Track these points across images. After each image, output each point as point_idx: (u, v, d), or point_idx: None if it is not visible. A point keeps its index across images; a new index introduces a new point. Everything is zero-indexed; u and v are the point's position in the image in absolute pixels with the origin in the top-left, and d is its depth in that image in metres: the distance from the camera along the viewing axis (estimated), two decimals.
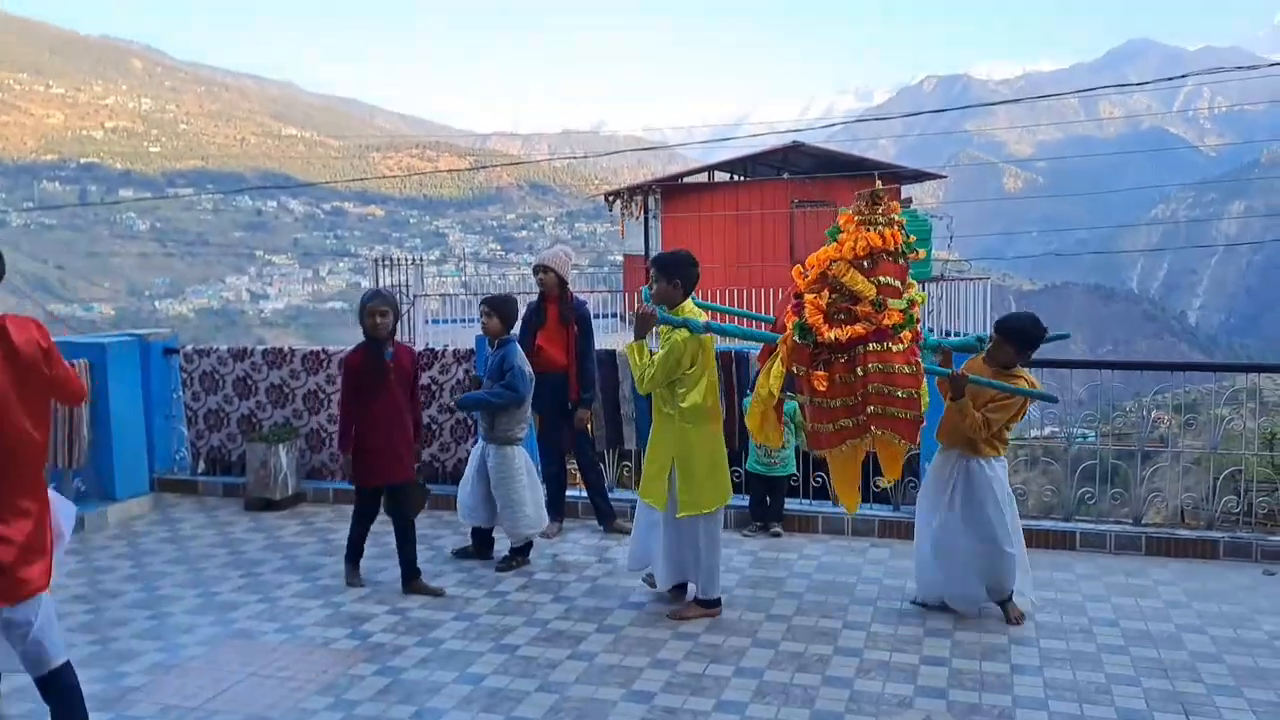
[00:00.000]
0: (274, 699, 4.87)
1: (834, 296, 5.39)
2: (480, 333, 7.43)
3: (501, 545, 7.12)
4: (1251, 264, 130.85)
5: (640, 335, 5.88)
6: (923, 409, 5.38)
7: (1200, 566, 6.79)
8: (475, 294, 24.32)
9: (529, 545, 7.04)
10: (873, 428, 5.33)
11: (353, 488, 6.69)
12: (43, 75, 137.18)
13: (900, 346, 5.33)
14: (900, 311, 5.37)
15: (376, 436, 6.37)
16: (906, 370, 5.31)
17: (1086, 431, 8.48)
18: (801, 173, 23.88)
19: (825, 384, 5.33)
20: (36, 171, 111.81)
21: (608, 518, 7.78)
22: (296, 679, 5.10)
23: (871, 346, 5.30)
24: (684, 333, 5.69)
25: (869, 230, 5.41)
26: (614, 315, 23.22)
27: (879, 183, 5.88)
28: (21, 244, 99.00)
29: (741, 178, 25.39)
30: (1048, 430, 9.93)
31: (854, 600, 6.14)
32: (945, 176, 29.09)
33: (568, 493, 7.99)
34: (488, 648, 5.48)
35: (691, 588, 6.11)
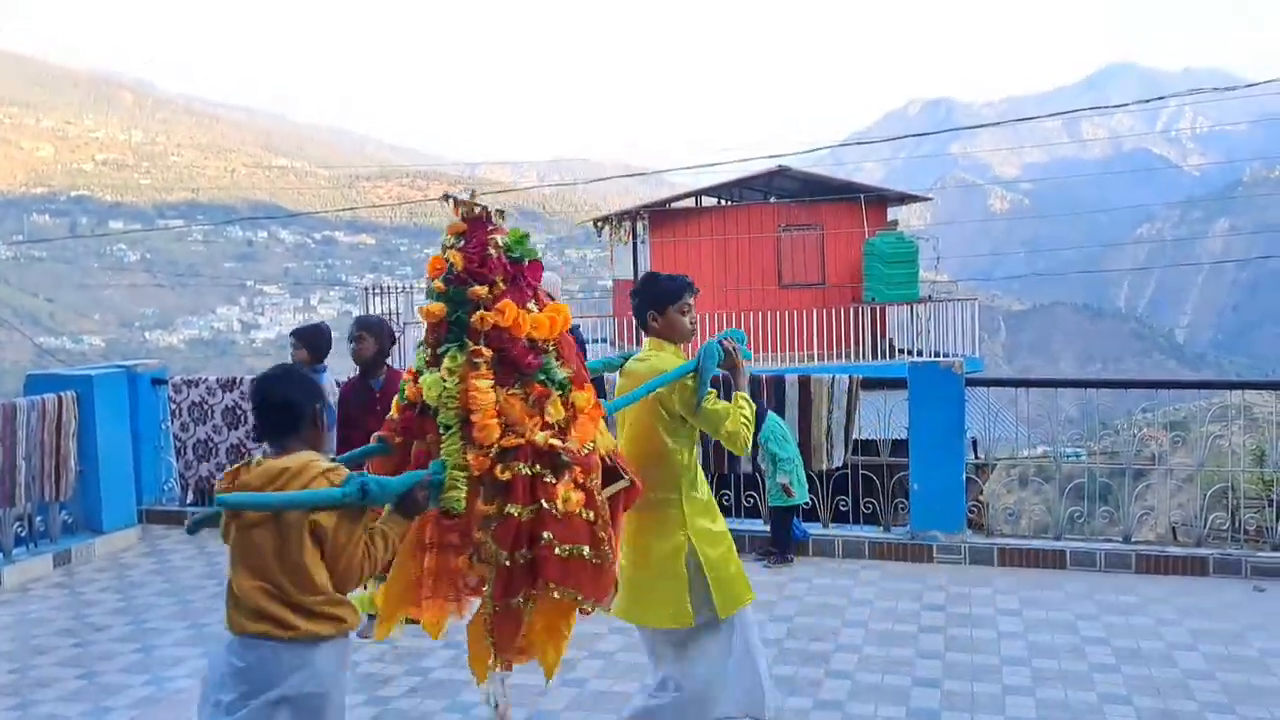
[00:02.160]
0: None
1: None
2: None
3: None
4: (1237, 281, 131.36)
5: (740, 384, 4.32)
6: None
7: (1191, 583, 6.78)
8: None
9: None
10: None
11: None
12: (33, 109, 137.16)
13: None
14: None
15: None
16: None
17: (1078, 450, 8.51)
18: (788, 196, 23.96)
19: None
20: (26, 205, 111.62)
21: None
22: None
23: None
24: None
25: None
26: (604, 340, 23.22)
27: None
28: (10, 277, 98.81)
29: (728, 202, 25.47)
30: (1040, 449, 9.95)
31: (845, 623, 6.13)
32: (931, 199, 29.19)
33: None
34: None
35: None
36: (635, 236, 23.83)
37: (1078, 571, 7.07)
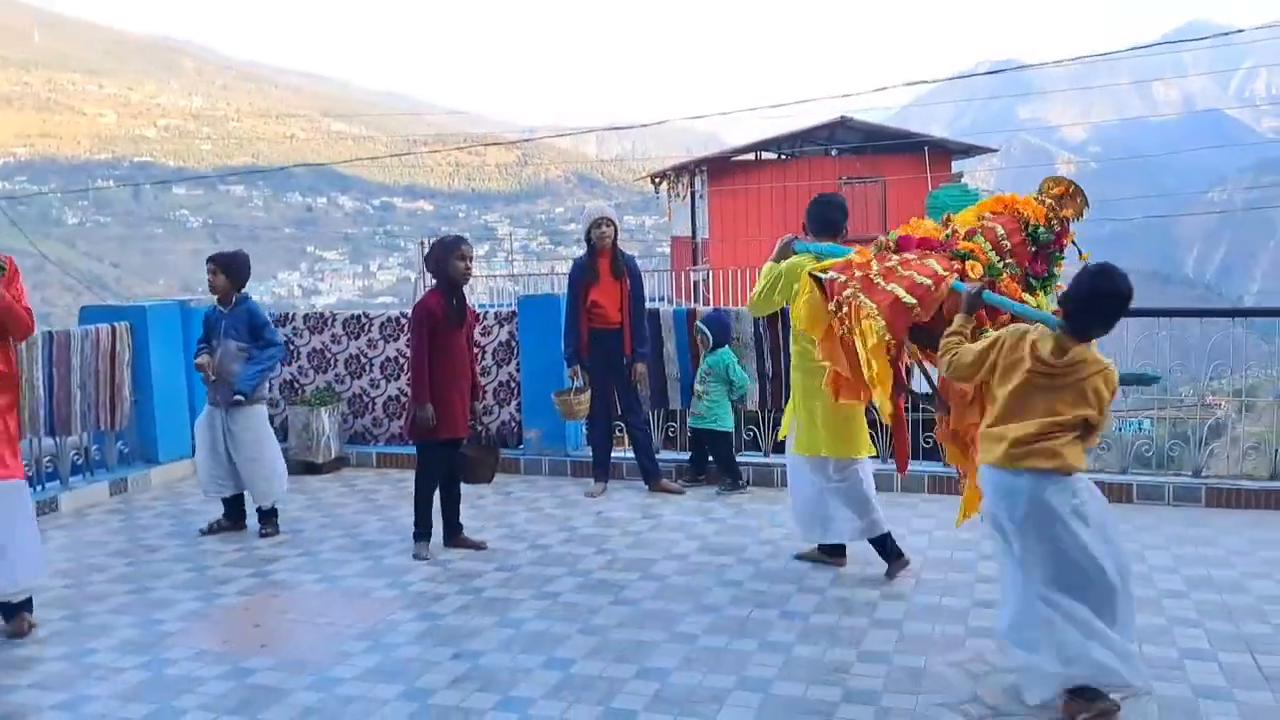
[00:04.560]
0: (311, 643, 4.81)
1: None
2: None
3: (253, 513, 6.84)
4: None
5: (777, 258, 5.61)
6: None
7: (1265, 516, 6.54)
8: (524, 289, 24.25)
9: (275, 508, 6.76)
10: (862, 293, 4.40)
11: (411, 448, 6.48)
12: (95, 75, 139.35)
13: (938, 265, 4.45)
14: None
15: (454, 387, 6.15)
16: (921, 278, 4.39)
17: (1142, 420, 8.25)
18: (849, 149, 23.60)
19: (865, 255, 4.66)
20: (91, 170, 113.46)
21: (653, 477, 7.66)
22: (335, 625, 5.04)
23: (909, 255, 4.54)
24: (792, 261, 5.46)
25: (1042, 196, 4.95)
26: (662, 299, 23.14)
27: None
28: (77, 242, 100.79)
29: (788, 155, 25.15)
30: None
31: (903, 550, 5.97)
32: (996, 150, 28.63)
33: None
34: (529, 595, 5.38)
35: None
36: (694, 191, 23.63)
37: (1145, 505, 6.86)
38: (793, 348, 5.70)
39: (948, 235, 4.69)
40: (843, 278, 4.58)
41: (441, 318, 6.10)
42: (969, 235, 4.67)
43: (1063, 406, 3.78)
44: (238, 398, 6.50)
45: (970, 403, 4.45)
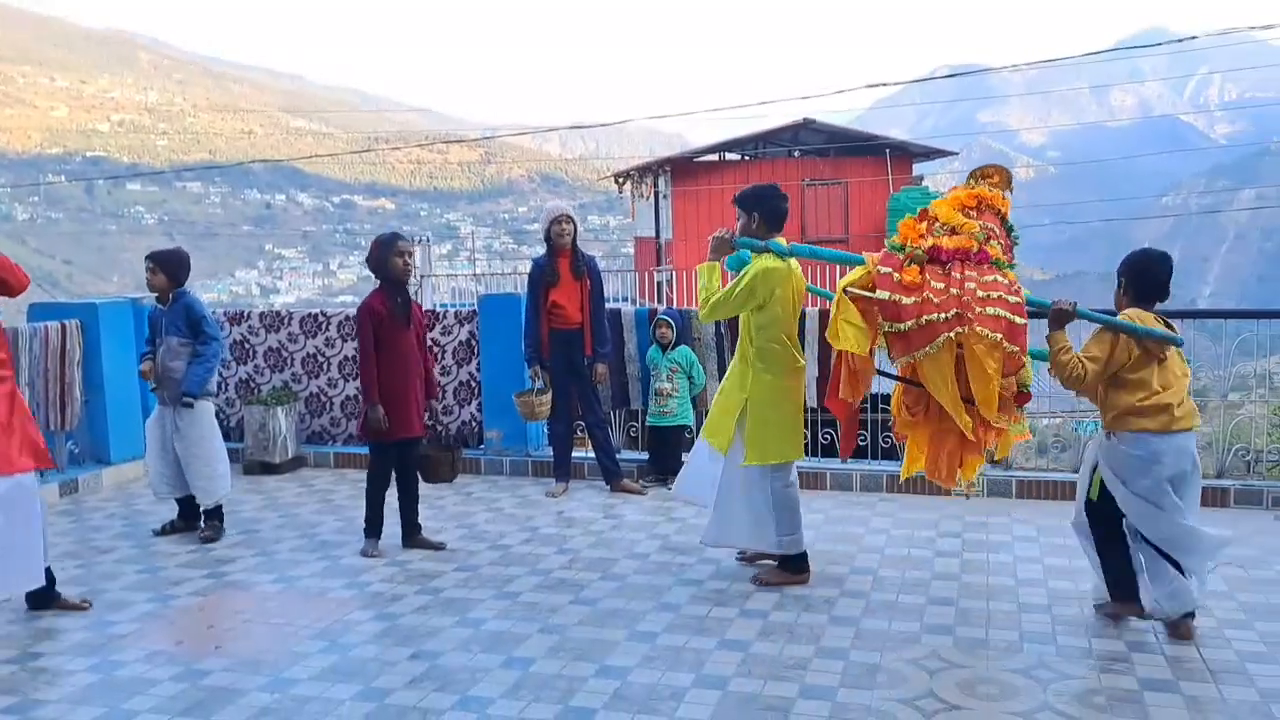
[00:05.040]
0: (267, 644, 4.76)
1: (934, 227, 4.99)
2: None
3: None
4: (1263, 251, 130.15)
5: (715, 257, 5.41)
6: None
7: (1212, 515, 6.61)
8: (486, 288, 24.15)
9: (220, 510, 6.66)
10: (973, 320, 4.61)
11: (364, 449, 6.44)
12: (47, 68, 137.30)
13: (1001, 278, 4.75)
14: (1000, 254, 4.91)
15: (406, 386, 6.11)
16: (1009, 297, 4.67)
17: (1098, 420, 8.30)
18: (812, 151, 23.71)
19: (916, 275, 4.77)
20: (42, 165, 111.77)
21: (614, 477, 7.66)
22: (291, 625, 4.99)
23: (969, 272, 4.74)
24: (765, 262, 5.26)
25: (977, 185, 5.26)
26: (626, 299, 23.13)
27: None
28: (27, 239, 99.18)
29: (752, 157, 25.23)
30: (1059, 419, 9.79)
31: (861, 549, 6.02)
32: (957, 153, 28.83)
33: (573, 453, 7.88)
34: (489, 595, 5.37)
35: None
36: (657, 191, 23.66)
37: None
38: (748, 350, 5.44)
39: (978, 246, 4.83)
40: (911, 299, 4.72)
41: (385, 316, 6.07)
42: (988, 240, 4.88)
43: (1178, 369, 4.67)
44: (187, 400, 6.39)
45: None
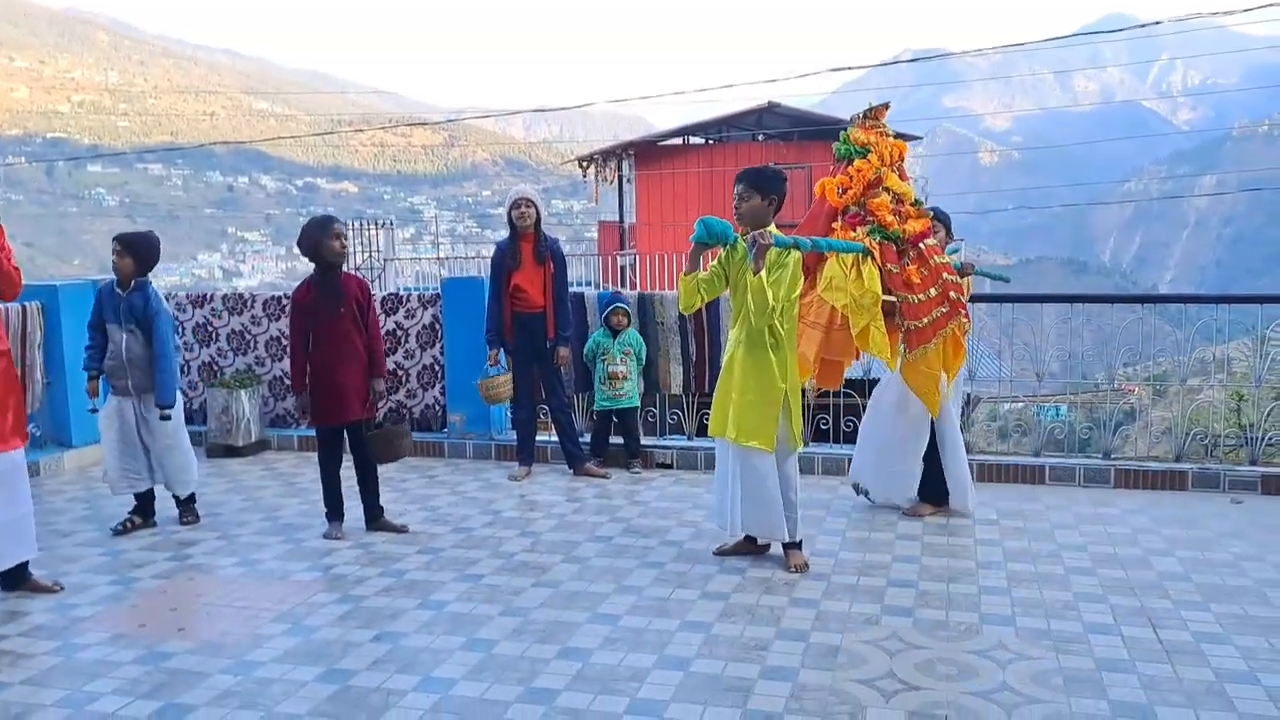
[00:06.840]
0: (229, 626, 4.75)
1: (889, 197, 5.77)
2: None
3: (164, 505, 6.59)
4: (1221, 237, 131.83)
5: (759, 265, 5.05)
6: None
7: (1169, 497, 6.77)
8: (450, 271, 24.06)
9: (194, 495, 6.58)
10: (961, 312, 5.87)
11: (314, 432, 6.41)
12: (6, 48, 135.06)
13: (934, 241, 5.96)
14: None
15: (341, 372, 6.04)
16: (950, 277, 5.92)
17: (1059, 405, 8.43)
18: (776, 135, 23.75)
19: (918, 276, 5.69)
20: (2, 147, 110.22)
21: (577, 461, 7.68)
22: (254, 608, 4.98)
23: (929, 241, 5.86)
24: (795, 255, 5.21)
25: (889, 139, 5.99)
26: (590, 282, 23.11)
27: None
28: None
29: (715, 140, 25.24)
30: (1020, 404, 9.89)
31: (821, 531, 6.08)
32: (920, 138, 29.00)
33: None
34: (451, 577, 5.38)
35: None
36: (621, 175, 23.63)
37: (1057, 486, 7.05)
38: (770, 337, 5.24)
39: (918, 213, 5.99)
40: (917, 296, 5.79)
41: (311, 306, 6.00)
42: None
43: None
44: (166, 415, 6.21)
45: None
